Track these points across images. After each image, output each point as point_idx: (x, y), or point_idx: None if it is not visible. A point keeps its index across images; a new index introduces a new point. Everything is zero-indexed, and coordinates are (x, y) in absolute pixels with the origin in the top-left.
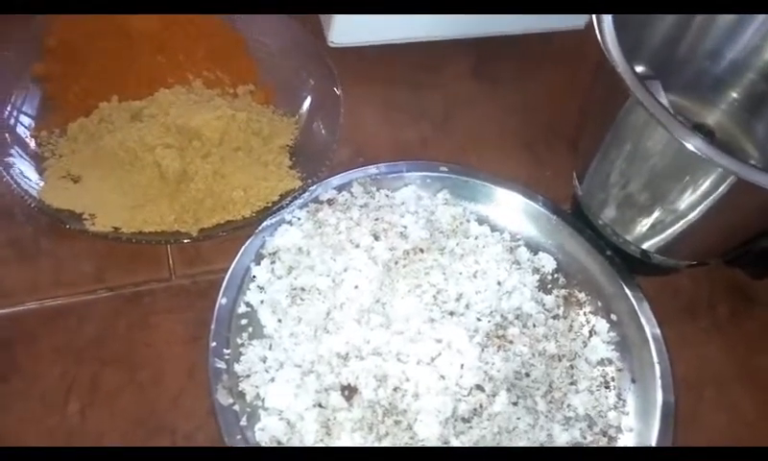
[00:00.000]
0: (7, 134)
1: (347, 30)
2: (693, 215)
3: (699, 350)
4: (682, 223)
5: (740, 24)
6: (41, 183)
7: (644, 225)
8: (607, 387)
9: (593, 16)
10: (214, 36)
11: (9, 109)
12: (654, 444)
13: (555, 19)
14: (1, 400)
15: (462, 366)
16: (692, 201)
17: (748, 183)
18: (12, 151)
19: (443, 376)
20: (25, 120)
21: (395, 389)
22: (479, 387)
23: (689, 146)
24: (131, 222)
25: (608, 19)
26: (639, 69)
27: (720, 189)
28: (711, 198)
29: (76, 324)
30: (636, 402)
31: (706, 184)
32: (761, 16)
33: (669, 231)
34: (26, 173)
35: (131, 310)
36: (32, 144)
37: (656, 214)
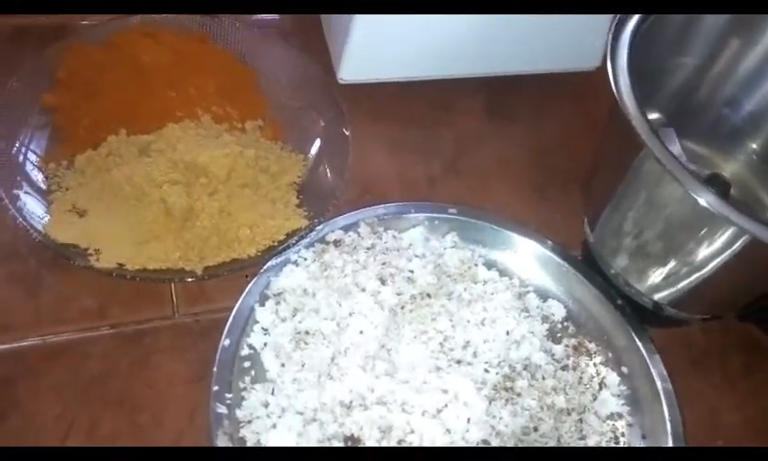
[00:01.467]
0: (14, 167)
1: (357, 67)
2: (707, 270)
3: (710, 404)
4: (695, 277)
5: (761, 73)
6: (47, 217)
7: (657, 276)
8: (616, 443)
9: (608, 63)
10: (225, 70)
11: (17, 140)
12: None
13: (568, 59)
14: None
15: (468, 420)
16: (706, 255)
17: (763, 242)
18: (18, 183)
19: (448, 430)
20: (33, 152)
21: (398, 441)
22: (485, 442)
23: (703, 202)
24: (135, 258)
25: (623, 66)
26: (654, 116)
27: (734, 246)
28: (726, 254)
29: (77, 361)
30: None
31: (720, 240)
32: None
33: (682, 284)
34: (31, 206)
35: (133, 349)
36: (39, 177)
37: (669, 266)
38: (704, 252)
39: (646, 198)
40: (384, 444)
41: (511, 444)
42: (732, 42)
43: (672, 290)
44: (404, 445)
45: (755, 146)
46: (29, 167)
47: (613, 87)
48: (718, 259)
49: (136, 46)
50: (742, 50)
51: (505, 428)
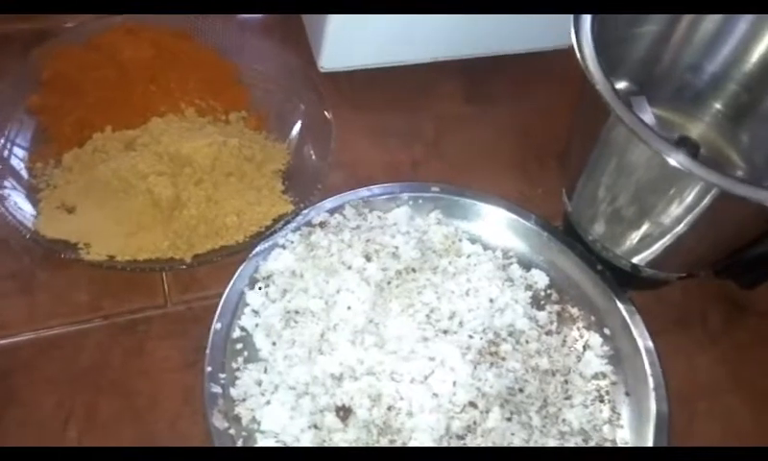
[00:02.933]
0: (1, 166)
1: (337, 54)
2: (680, 228)
3: (692, 361)
4: (669, 236)
5: (719, 36)
6: (36, 214)
7: (633, 239)
8: (601, 401)
9: (572, 35)
10: (206, 65)
11: (3, 141)
12: None
13: (545, 39)
14: (1, 428)
15: (454, 383)
16: (678, 214)
17: (731, 195)
18: (7, 183)
19: (436, 394)
20: (19, 152)
21: (389, 408)
22: (472, 404)
23: (671, 161)
24: (125, 250)
25: (587, 37)
26: (624, 85)
27: (704, 202)
28: (696, 211)
29: (72, 353)
30: (631, 415)
31: (690, 198)
32: (739, 28)
33: (657, 245)
34: (20, 204)
35: (126, 338)
36: (26, 175)
37: (643, 228)
38: (675, 211)
39: (617, 163)
40: (375, 411)
41: (497, 404)
42: None
43: (648, 251)
44: (394, 410)
45: (719, 106)
46: (17, 167)
47: (579, 57)
48: (690, 217)
49: (118, 44)
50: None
51: (490, 390)
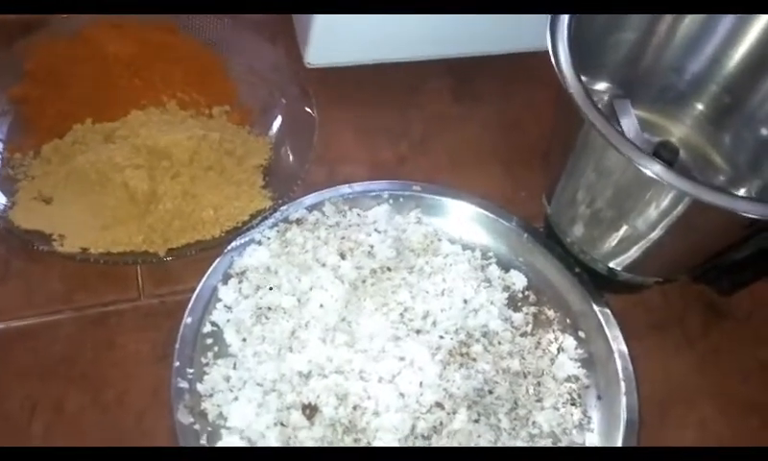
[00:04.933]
0: None
1: (323, 50)
2: (655, 234)
3: (668, 366)
4: (645, 241)
5: (700, 37)
6: (11, 204)
7: (610, 243)
8: (573, 404)
9: (548, 37)
10: (192, 59)
11: None
12: None
13: (533, 39)
14: None
15: (421, 384)
16: (653, 220)
17: (703, 203)
18: None
19: (402, 394)
20: (1, 141)
21: (354, 407)
22: (439, 404)
23: (644, 169)
24: (99, 242)
25: (563, 40)
26: (607, 86)
27: (678, 209)
28: (671, 217)
29: (43, 345)
30: (601, 420)
31: (664, 205)
32: (720, 29)
33: (633, 249)
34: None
35: (97, 331)
36: (2, 166)
37: (620, 233)
38: (651, 217)
39: (593, 168)
40: (341, 410)
41: (464, 406)
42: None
43: (625, 256)
44: (360, 409)
45: (701, 108)
46: None
47: (553, 61)
48: (664, 223)
49: (103, 38)
50: (679, 16)
51: (458, 390)
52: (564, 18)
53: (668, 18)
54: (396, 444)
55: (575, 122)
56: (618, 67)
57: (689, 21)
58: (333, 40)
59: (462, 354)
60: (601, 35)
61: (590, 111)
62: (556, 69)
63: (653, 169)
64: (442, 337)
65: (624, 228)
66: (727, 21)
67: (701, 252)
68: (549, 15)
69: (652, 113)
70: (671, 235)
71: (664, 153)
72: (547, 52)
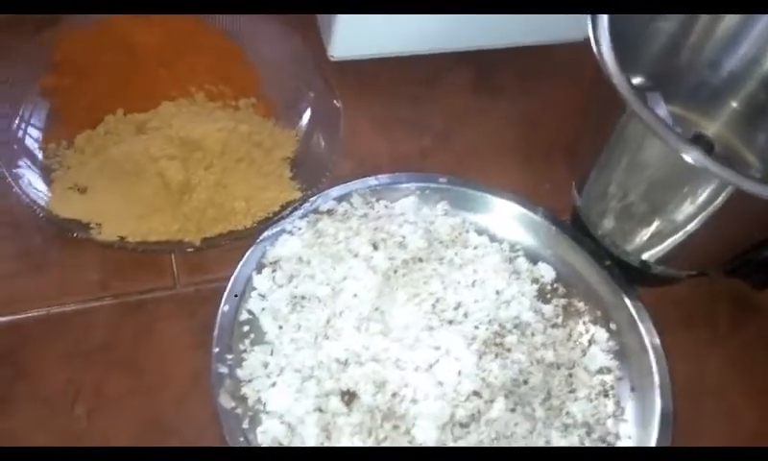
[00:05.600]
0: (16, 146)
1: (347, 43)
2: (692, 226)
3: (698, 359)
4: (680, 233)
5: (739, 34)
6: (49, 194)
7: (643, 235)
8: (606, 395)
9: (590, 29)
10: (216, 49)
11: (17, 121)
12: None
13: (554, 32)
14: (9, 403)
15: (459, 373)
16: (690, 212)
17: (745, 194)
18: (21, 162)
19: (440, 383)
20: (33, 132)
21: (393, 394)
22: (476, 393)
23: (686, 157)
24: (136, 231)
25: (604, 32)
26: (639, 80)
27: (718, 200)
28: (709, 209)
29: (82, 330)
30: (635, 410)
31: (703, 195)
32: (759, 27)
33: (668, 242)
34: (34, 184)
35: (135, 317)
36: (40, 156)
37: (654, 225)
38: (688, 208)
39: (630, 158)
40: (379, 397)
41: (501, 395)
42: None
43: (659, 248)
44: (398, 397)
45: (735, 105)
46: (30, 147)
47: (596, 51)
48: (702, 215)
49: (128, 29)
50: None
51: (495, 380)
52: None
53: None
54: (435, 431)
55: (613, 112)
56: (654, 61)
57: (729, 17)
58: (357, 33)
59: (497, 345)
60: (639, 28)
61: (633, 100)
62: (598, 59)
63: (697, 157)
64: (477, 327)
65: (660, 219)
66: (766, 18)
67: (737, 245)
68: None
69: (684, 108)
70: (709, 228)
71: (701, 145)
72: (565, 45)
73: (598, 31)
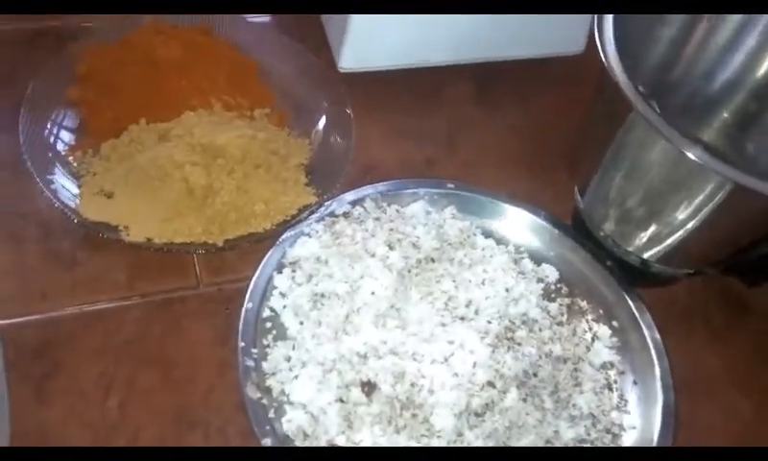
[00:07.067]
0: (47, 153)
1: (356, 55)
2: (691, 225)
3: (695, 357)
4: (680, 232)
5: (732, 45)
6: (78, 199)
7: (644, 236)
8: (609, 388)
9: (596, 35)
10: (232, 63)
11: (49, 129)
12: (655, 441)
13: (552, 44)
14: (45, 395)
15: (474, 364)
16: (690, 210)
17: (745, 190)
18: (52, 168)
19: (456, 374)
20: (63, 140)
21: (411, 385)
22: (491, 384)
23: (690, 155)
24: (162, 233)
25: (609, 37)
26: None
27: (718, 197)
28: (709, 206)
29: (113, 327)
30: (638, 402)
31: (704, 193)
32: (752, 38)
33: (669, 241)
34: (65, 189)
35: (162, 315)
36: (68, 164)
37: (655, 224)
38: (689, 206)
39: (632, 162)
40: (398, 387)
41: (513, 386)
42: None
43: (659, 248)
44: (416, 387)
45: (726, 115)
46: (59, 155)
47: (602, 55)
48: (702, 213)
49: (150, 43)
50: (715, 21)
51: (508, 371)
52: (610, 17)
53: (705, 25)
54: (452, 419)
55: (617, 115)
56: (652, 70)
57: (725, 27)
58: (366, 46)
59: (508, 339)
60: (638, 38)
61: (638, 102)
62: (604, 62)
63: (700, 155)
64: (489, 322)
65: (661, 218)
66: (761, 27)
67: (734, 242)
68: (587, 23)
69: (678, 118)
70: (708, 226)
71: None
72: (561, 58)
73: (604, 36)
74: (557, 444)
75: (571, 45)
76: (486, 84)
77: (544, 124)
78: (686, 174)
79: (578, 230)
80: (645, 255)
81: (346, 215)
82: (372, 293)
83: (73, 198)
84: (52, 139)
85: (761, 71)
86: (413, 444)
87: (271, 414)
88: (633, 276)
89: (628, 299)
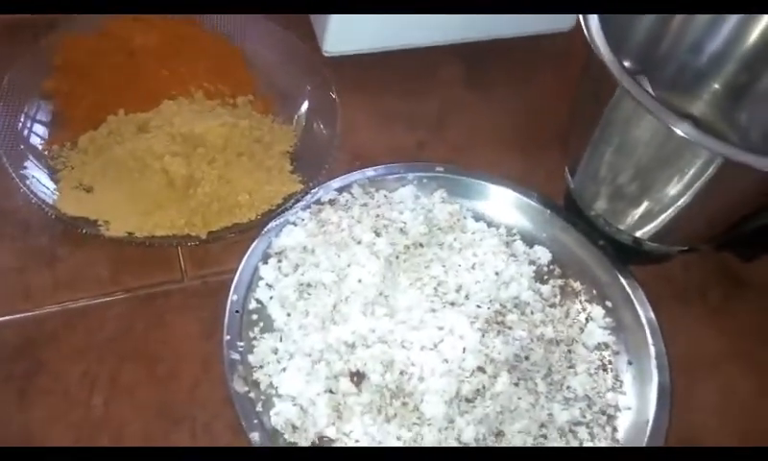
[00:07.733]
0: (22, 147)
1: (340, 39)
2: (682, 201)
3: (692, 334)
4: (672, 209)
5: (719, 16)
6: (56, 194)
7: (635, 213)
8: (604, 369)
9: (580, 15)
10: (213, 50)
11: (22, 122)
12: (651, 421)
13: (542, 22)
14: (28, 396)
15: (464, 350)
16: (681, 187)
17: (735, 164)
18: (28, 163)
19: (446, 360)
20: (38, 134)
21: (401, 373)
22: (481, 369)
23: (677, 131)
24: (143, 226)
25: (594, 16)
26: (626, 64)
27: (708, 172)
28: (699, 183)
29: (96, 324)
30: (633, 383)
31: (694, 169)
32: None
33: (660, 218)
34: (41, 185)
35: (146, 310)
36: (45, 158)
37: (646, 202)
38: (679, 183)
39: (621, 138)
40: (387, 376)
41: (504, 370)
42: None
43: (651, 225)
44: (406, 375)
45: (717, 86)
46: (36, 149)
47: (586, 33)
48: (693, 189)
49: (128, 32)
50: None
51: (498, 356)
52: None
53: None
54: (442, 406)
55: (604, 93)
56: (639, 45)
57: None
58: (350, 29)
59: (498, 323)
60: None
61: (625, 78)
62: (589, 41)
63: (688, 130)
64: (479, 307)
65: (652, 196)
66: None
67: (726, 217)
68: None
69: (669, 92)
70: (699, 202)
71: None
72: (554, 35)
73: (588, 16)
74: (551, 427)
75: (560, 22)
76: (475, 65)
77: (536, 103)
78: (675, 150)
79: (570, 210)
80: (637, 234)
81: (332, 202)
82: (360, 281)
83: (51, 193)
84: (26, 133)
85: (750, 41)
86: (404, 432)
87: (258, 407)
88: (626, 254)
89: (621, 278)
